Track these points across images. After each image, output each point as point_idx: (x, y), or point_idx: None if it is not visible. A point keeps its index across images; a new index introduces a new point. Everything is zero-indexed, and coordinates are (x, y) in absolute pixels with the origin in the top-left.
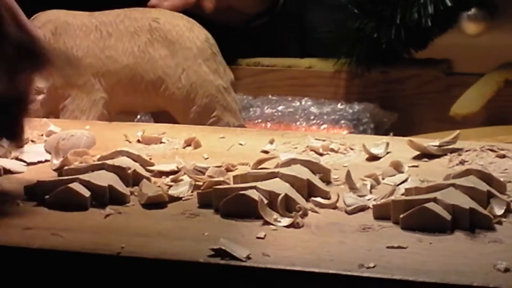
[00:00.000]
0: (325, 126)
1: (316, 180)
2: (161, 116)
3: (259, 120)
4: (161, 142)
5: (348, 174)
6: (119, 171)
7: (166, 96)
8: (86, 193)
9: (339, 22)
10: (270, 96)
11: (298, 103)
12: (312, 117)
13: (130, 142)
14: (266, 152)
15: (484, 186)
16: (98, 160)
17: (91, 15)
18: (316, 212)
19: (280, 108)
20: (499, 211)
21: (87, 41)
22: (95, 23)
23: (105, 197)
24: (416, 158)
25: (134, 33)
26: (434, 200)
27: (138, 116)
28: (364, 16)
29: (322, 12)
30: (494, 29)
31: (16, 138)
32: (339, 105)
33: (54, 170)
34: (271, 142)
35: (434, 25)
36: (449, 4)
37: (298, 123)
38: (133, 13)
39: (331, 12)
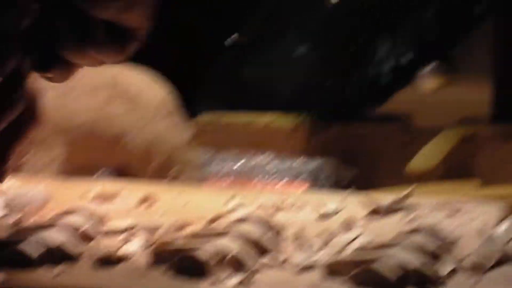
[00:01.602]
0: (284, 181)
1: (267, 238)
2: (120, 172)
3: (219, 176)
4: (116, 199)
5: (299, 232)
6: (71, 229)
7: (125, 152)
8: (37, 251)
9: (300, 79)
10: (229, 152)
11: (258, 159)
12: (271, 173)
13: (85, 199)
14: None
15: (434, 243)
16: (52, 217)
17: None
18: (266, 270)
19: (240, 163)
20: (447, 269)
21: (46, 97)
22: None
23: (56, 255)
24: (369, 214)
25: (93, 89)
26: (384, 257)
27: (99, 172)
28: (324, 72)
29: (283, 69)
30: (452, 85)
31: None
32: (298, 161)
33: (8, 227)
34: (228, 200)
35: (393, 81)
36: (408, 60)
37: (257, 178)
38: (93, 69)
39: (292, 69)
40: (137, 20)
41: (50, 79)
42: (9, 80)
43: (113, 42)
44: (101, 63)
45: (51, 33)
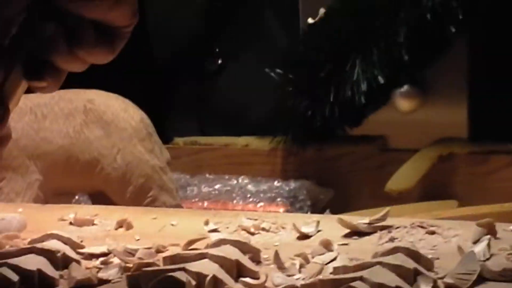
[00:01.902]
0: (261, 204)
1: (245, 260)
2: (98, 197)
3: (196, 199)
4: (93, 224)
5: (277, 254)
6: (48, 254)
7: (102, 176)
8: (14, 277)
9: (274, 101)
10: (207, 175)
11: (235, 181)
12: (248, 195)
13: (63, 224)
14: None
15: (411, 264)
16: (29, 243)
17: (25, 97)
18: None
19: (217, 186)
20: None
21: (21, 123)
22: (29, 105)
23: (33, 281)
24: (347, 236)
25: (69, 114)
26: (361, 278)
27: (77, 197)
28: (298, 94)
29: (256, 90)
30: (427, 106)
31: None
32: (275, 183)
33: None
34: (205, 223)
35: (367, 102)
36: (382, 81)
37: (235, 201)
38: (68, 94)
39: (266, 91)
40: (124, 17)
41: (41, 89)
42: None
43: (103, 42)
44: (89, 64)
45: (40, 38)
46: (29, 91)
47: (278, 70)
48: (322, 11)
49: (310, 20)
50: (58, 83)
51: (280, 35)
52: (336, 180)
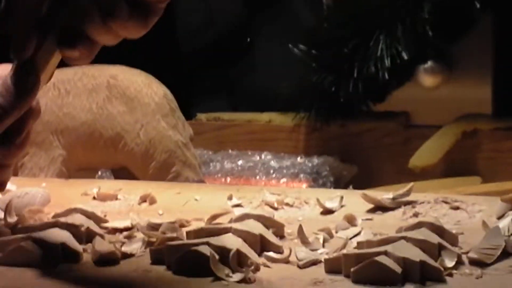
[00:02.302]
0: (284, 180)
1: (269, 234)
2: (121, 172)
3: (219, 175)
4: (116, 199)
5: (300, 229)
6: (72, 228)
7: (125, 152)
8: (38, 250)
9: (298, 77)
10: (230, 151)
11: (257, 157)
12: (271, 171)
13: (86, 198)
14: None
15: (435, 239)
16: (52, 217)
17: None
18: (268, 266)
19: (240, 162)
20: (450, 263)
21: (45, 98)
22: (53, 80)
23: (57, 255)
24: (370, 211)
25: (92, 90)
26: (385, 253)
27: (99, 173)
28: (322, 70)
29: (280, 67)
30: (451, 82)
31: None
32: (298, 159)
33: (8, 228)
34: (228, 198)
35: (391, 78)
36: (406, 57)
37: (257, 177)
38: (91, 70)
39: (290, 67)
40: None
41: (73, 60)
42: (29, 63)
43: (136, 16)
44: (122, 38)
45: (73, 8)
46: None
47: (301, 46)
48: None
49: None
50: (91, 55)
51: (304, 12)
52: (359, 156)
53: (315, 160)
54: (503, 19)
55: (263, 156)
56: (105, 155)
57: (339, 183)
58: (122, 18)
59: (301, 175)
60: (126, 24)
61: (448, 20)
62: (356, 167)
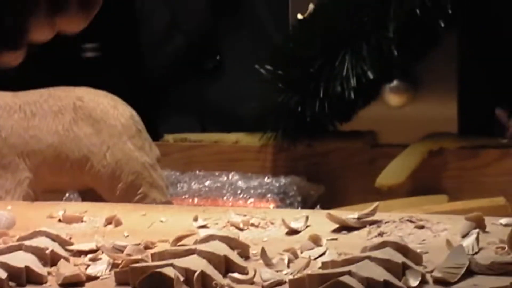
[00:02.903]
0: (252, 200)
1: (234, 256)
2: (88, 194)
3: (186, 196)
4: (82, 221)
5: (263, 251)
6: (37, 251)
7: (91, 174)
8: (3, 274)
9: (265, 97)
10: (197, 172)
11: (225, 178)
12: (239, 192)
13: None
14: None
15: (399, 258)
16: (17, 240)
17: (14, 95)
18: (234, 287)
19: (207, 183)
20: (414, 282)
21: (11, 121)
22: (18, 103)
23: (22, 278)
24: (336, 231)
25: (58, 112)
26: (349, 273)
27: (67, 195)
28: (288, 90)
29: (248, 86)
30: (417, 101)
31: None
32: (266, 179)
33: None
34: (194, 219)
35: (357, 98)
36: (371, 77)
37: (225, 198)
38: (57, 92)
39: (257, 87)
40: None
41: (8, 62)
42: None
43: (81, 9)
44: (61, 32)
45: (19, 6)
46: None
47: (267, 66)
48: (311, 6)
49: (299, 16)
50: (24, 55)
51: (270, 31)
52: (326, 175)
53: (282, 180)
54: (468, 38)
55: (230, 177)
56: (71, 177)
57: (307, 203)
58: (71, 12)
59: (269, 195)
60: (73, 18)
61: (412, 39)
62: (323, 186)
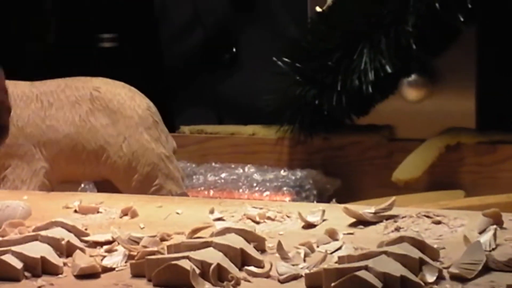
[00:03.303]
0: (267, 193)
1: (250, 249)
2: (104, 185)
3: (202, 188)
4: (98, 212)
5: (280, 244)
6: (52, 242)
7: (107, 165)
8: (18, 264)
9: (282, 90)
10: (213, 164)
11: (241, 170)
12: (254, 184)
13: (68, 211)
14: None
15: (416, 253)
16: (33, 230)
17: (32, 84)
18: (248, 281)
19: (223, 175)
20: (431, 278)
21: (28, 111)
22: (36, 92)
23: (37, 269)
24: (352, 225)
25: (75, 102)
26: (366, 268)
27: (82, 185)
28: (306, 83)
29: (264, 79)
30: (434, 95)
31: None
32: (282, 172)
33: None
34: (210, 211)
35: (375, 92)
36: (390, 70)
37: (240, 190)
38: (74, 83)
39: (274, 80)
40: None
41: None
42: None
43: None
44: None
45: None
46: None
47: (285, 59)
48: None
49: (318, 9)
50: None
51: (289, 24)
52: (343, 169)
53: (298, 173)
54: (487, 32)
55: (246, 169)
56: (88, 167)
57: (322, 197)
58: None
59: (284, 188)
60: None
61: (431, 33)
62: (339, 180)
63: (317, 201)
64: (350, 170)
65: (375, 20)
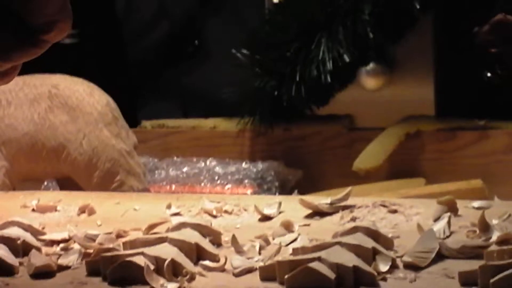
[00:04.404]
0: (229, 186)
1: (205, 243)
2: (66, 182)
3: (164, 183)
4: (56, 210)
5: (234, 238)
6: (8, 241)
7: (68, 162)
8: None
9: (241, 82)
10: (175, 158)
11: (203, 164)
12: (216, 178)
13: (25, 210)
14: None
15: (370, 243)
16: None
17: None
18: (203, 275)
19: (185, 169)
20: (384, 267)
21: None
22: None
23: None
24: (308, 216)
25: (34, 100)
26: (319, 259)
27: (45, 183)
28: (265, 74)
29: (225, 71)
30: (393, 83)
31: None
32: (243, 165)
33: None
34: (169, 206)
35: (334, 81)
36: (348, 60)
37: (202, 184)
38: (32, 80)
39: (234, 71)
40: (47, 11)
41: None
42: None
43: (22, 42)
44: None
45: None
46: None
47: (244, 51)
48: None
49: (275, 0)
50: None
51: (249, 16)
52: (304, 160)
53: (260, 165)
54: (443, 19)
55: (208, 163)
56: (48, 165)
57: (285, 188)
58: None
59: (246, 181)
60: (9, 55)
61: (388, 21)
62: (301, 171)
63: (279, 193)
64: (312, 161)
65: (331, 9)
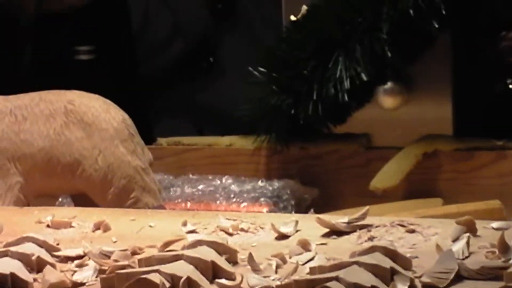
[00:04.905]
0: (245, 204)
1: (221, 261)
2: (80, 199)
3: (179, 200)
4: (71, 226)
5: (251, 256)
6: (23, 257)
7: (83, 178)
8: None
9: (258, 99)
10: (190, 175)
11: (218, 182)
12: (232, 196)
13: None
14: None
15: (388, 263)
16: (4, 246)
17: (5, 99)
18: None
19: (200, 187)
20: (402, 287)
21: (2, 125)
22: (9, 106)
23: (7, 285)
24: (325, 235)
25: (50, 116)
26: (336, 278)
27: (60, 199)
28: (282, 92)
29: (241, 89)
30: (411, 103)
31: None
32: (259, 183)
33: None
34: (184, 224)
35: (351, 100)
36: (365, 78)
37: (218, 201)
38: (48, 96)
39: (249, 90)
40: None
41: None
42: None
43: None
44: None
45: None
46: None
47: (261, 68)
48: (304, 8)
49: (292, 18)
50: None
51: (264, 33)
52: (320, 178)
53: (276, 184)
54: (462, 38)
55: (223, 180)
56: (63, 181)
57: (301, 206)
58: None
59: (262, 199)
60: None
61: (406, 40)
62: (317, 190)
63: (295, 211)
64: (328, 179)
65: (349, 28)
